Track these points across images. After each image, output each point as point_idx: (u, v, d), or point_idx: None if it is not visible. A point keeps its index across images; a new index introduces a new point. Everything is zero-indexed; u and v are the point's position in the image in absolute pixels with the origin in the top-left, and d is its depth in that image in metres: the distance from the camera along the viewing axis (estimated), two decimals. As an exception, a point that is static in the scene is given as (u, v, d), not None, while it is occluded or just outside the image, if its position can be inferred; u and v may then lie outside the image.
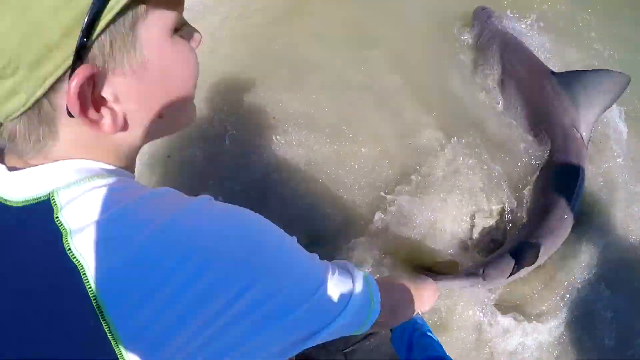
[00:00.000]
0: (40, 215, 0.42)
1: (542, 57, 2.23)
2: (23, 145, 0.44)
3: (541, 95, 1.97)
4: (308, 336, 0.50)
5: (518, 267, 1.55)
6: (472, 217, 1.84)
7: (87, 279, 0.39)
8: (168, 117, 0.51)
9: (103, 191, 0.43)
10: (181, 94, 0.51)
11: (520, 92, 2.10)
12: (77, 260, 0.40)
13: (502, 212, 1.86)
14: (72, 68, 0.39)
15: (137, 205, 0.43)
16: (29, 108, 0.41)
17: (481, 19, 2.45)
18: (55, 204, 0.42)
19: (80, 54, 0.39)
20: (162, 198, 0.45)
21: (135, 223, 0.41)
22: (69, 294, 0.40)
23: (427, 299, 1.01)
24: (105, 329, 0.38)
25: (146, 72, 0.45)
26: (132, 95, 0.45)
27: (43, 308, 0.40)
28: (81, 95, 0.40)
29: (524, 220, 1.80)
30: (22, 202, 0.43)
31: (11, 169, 0.45)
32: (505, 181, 1.89)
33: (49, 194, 0.42)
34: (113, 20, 0.39)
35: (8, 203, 0.44)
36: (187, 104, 0.54)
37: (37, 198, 0.43)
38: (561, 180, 1.77)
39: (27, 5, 0.36)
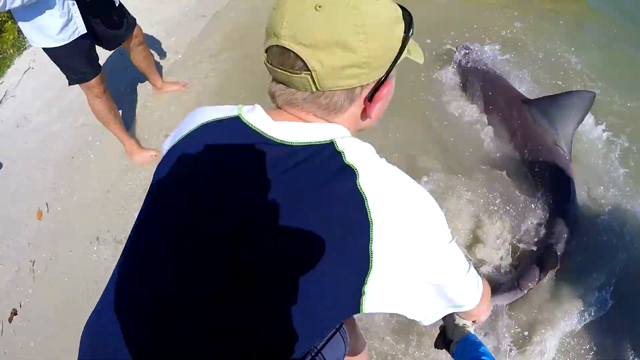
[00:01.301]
0: (328, 154, 0.68)
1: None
2: (320, 105, 0.71)
3: (521, 122, 2.17)
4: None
5: (544, 272, 1.85)
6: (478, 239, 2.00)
7: (368, 207, 0.64)
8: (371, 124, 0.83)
9: (364, 146, 0.72)
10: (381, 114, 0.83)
11: (503, 122, 2.28)
12: (364, 193, 0.65)
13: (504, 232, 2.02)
14: (384, 80, 0.72)
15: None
16: (351, 89, 0.69)
17: (461, 58, 2.74)
18: (338, 148, 0.68)
19: (387, 76, 0.71)
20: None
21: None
22: (358, 215, 0.64)
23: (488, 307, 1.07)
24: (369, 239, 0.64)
25: (386, 97, 0.76)
26: (380, 107, 0.76)
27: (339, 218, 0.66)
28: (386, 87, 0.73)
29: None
30: (305, 143, 0.69)
31: (277, 119, 0.72)
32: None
33: (331, 140, 0.69)
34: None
35: (286, 143, 0.69)
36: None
37: (320, 142, 0.69)
38: (557, 193, 1.96)
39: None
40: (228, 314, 0.65)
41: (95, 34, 2.42)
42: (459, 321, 1.12)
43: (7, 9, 2.02)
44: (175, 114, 2.99)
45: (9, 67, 4.47)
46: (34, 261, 2.39)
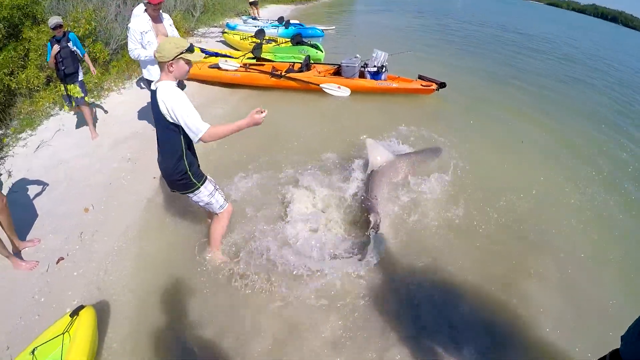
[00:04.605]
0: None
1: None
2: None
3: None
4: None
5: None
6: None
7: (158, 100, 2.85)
8: (177, 78, 2.96)
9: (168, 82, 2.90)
10: (181, 76, 2.97)
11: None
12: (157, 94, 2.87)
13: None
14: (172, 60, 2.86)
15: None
16: (164, 62, 2.86)
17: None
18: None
19: (174, 59, 2.87)
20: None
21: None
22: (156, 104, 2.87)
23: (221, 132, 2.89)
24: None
25: (178, 67, 2.90)
26: (176, 69, 2.89)
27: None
28: (172, 65, 2.89)
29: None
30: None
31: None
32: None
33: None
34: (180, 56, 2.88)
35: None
36: (181, 77, 3.00)
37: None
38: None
39: (176, 46, 2.85)
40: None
41: None
42: None
43: (138, 59, 4.89)
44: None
45: (39, 125, 6.20)
46: (82, 232, 4.04)
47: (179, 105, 2.79)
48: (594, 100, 10.44)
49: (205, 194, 3.29)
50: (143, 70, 5.18)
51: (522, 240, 4.27)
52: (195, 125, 2.82)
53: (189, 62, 2.94)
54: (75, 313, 2.81)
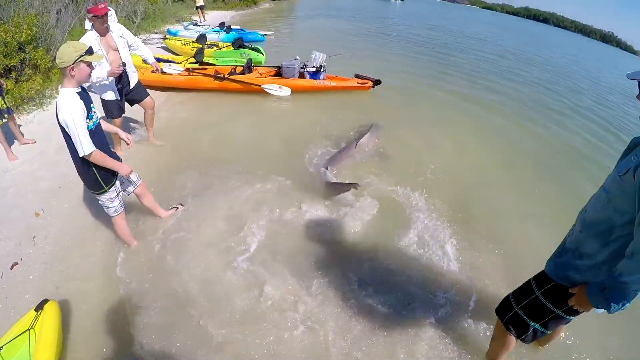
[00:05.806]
0: None
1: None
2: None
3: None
4: None
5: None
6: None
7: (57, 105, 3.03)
8: (80, 82, 3.05)
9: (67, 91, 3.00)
10: (83, 79, 3.05)
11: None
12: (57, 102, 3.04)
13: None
14: (74, 64, 2.92)
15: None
16: (64, 67, 2.92)
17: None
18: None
19: (73, 64, 2.92)
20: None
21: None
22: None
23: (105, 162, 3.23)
24: None
25: (79, 70, 2.97)
26: (77, 73, 2.97)
27: None
28: (74, 69, 2.95)
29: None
30: None
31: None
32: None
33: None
34: (80, 59, 2.93)
35: None
36: (83, 81, 3.09)
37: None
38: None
39: (75, 49, 2.91)
40: None
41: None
42: None
43: (90, 81, 4.64)
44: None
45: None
46: (35, 236, 4.06)
47: (70, 121, 2.94)
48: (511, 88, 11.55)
49: (107, 197, 3.52)
50: (98, 93, 5.01)
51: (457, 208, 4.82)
52: (80, 144, 3.01)
53: (90, 65, 3.02)
54: (39, 307, 2.91)
